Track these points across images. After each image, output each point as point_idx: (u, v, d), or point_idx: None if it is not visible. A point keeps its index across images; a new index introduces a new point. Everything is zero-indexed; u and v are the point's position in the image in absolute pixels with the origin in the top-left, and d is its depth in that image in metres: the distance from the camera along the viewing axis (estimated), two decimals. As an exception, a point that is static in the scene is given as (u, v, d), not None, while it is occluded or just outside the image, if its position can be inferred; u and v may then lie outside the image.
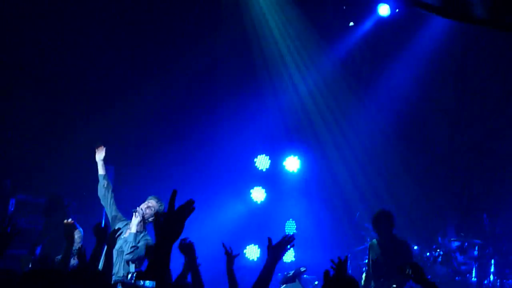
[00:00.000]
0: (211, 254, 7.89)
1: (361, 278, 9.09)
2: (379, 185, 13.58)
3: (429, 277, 10.47)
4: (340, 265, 4.61)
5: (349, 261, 10.97)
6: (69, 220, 6.72)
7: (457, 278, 11.18)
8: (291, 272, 9.42)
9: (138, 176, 12.30)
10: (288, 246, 4.96)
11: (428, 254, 11.33)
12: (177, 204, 3.40)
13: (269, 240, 4.92)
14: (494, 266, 11.09)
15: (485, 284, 11.08)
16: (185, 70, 12.65)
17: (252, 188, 13.61)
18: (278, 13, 13.32)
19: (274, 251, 4.86)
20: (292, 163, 13.72)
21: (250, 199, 13.57)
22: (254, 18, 13.17)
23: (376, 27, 13.30)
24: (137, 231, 7.78)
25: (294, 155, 13.71)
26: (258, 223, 13.26)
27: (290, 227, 13.51)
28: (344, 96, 13.91)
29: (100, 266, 6.55)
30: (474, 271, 11.19)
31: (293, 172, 13.74)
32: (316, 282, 11.11)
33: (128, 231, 7.80)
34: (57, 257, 7.26)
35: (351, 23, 13.51)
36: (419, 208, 13.39)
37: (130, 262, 7.66)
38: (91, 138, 9.36)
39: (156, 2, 12.61)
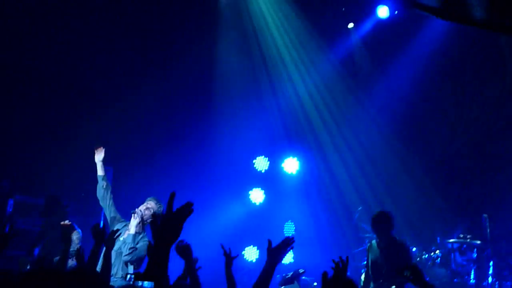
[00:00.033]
0: (209, 255, 7.88)
1: (360, 279, 9.09)
2: (378, 187, 13.58)
3: (427, 278, 10.48)
4: (343, 265, 4.61)
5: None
6: (66, 221, 6.71)
7: (455, 279, 11.17)
8: (290, 274, 9.42)
9: (136, 177, 12.29)
10: (288, 249, 4.95)
11: (426, 255, 11.33)
12: (175, 206, 3.40)
13: (269, 242, 4.91)
14: (492, 268, 11.08)
15: (484, 286, 11.07)
16: (184, 71, 12.64)
17: (251, 189, 13.61)
18: (278, 14, 13.32)
19: (273, 253, 4.85)
20: (291, 165, 13.72)
21: (249, 201, 13.57)
22: (254, 20, 13.17)
23: (375, 29, 13.32)
24: (136, 232, 7.77)
25: (293, 157, 13.72)
26: (256, 225, 13.25)
27: (289, 229, 13.52)
28: (343, 97, 13.92)
29: (99, 267, 6.54)
30: (472, 272, 11.18)
31: (292, 173, 13.74)
32: (315, 284, 11.11)
33: (127, 232, 7.79)
34: (55, 258, 7.26)
35: (351, 25, 13.52)
36: (418, 209, 13.39)
37: (128, 263, 7.64)
38: (90, 139, 9.37)
39: (155, 2, 12.60)
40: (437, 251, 11.32)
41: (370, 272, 8.80)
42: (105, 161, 8.33)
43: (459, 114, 13.34)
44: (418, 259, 11.12)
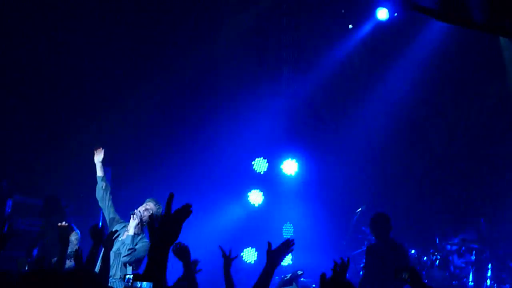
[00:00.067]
0: (208, 256, 7.88)
1: (358, 281, 9.08)
2: (376, 189, 13.59)
3: (426, 281, 10.48)
4: (344, 267, 4.61)
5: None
6: (63, 223, 6.70)
7: (454, 282, 11.18)
8: (288, 275, 9.40)
9: (135, 179, 12.29)
10: (288, 251, 4.95)
11: (425, 258, 11.33)
12: (174, 207, 3.40)
13: (269, 244, 4.90)
14: (491, 270, 11.10)
15: (482, 288, 11.10)
16: (183, 72, 12.65)
17: (250, 191, 13.60)
18: (277, 16, 13.33)
19: (273, 256, 4.84)
20: (290, 166, 13.71)
21: (248, 202, 13.56)
22: (253, 20, 13.17)
23: (375, 30, 13.32)
24: (134, 233, 7.76)
25: (292, 158, 13.71)
26: (255, 226, 13.24)
27: (288, 230, 13.51)
28: (342, 99, 13.92)
29: (97, 268, 6.54)
30: (471, 275, 11.20)
31: (290, 175, 13.74)
32: (314, 286, 11.11)
33: (126, 233, 7.78)
34: (53, 259, 7.25)
35: (350, 26, 13.53)
36: (416, 212, 13.39)
37: (127, 264, 7.64)
38: (88, 140, 9.37)
39: (155, 3, 12.60)
40: (436, 254, 11.32)
41: (368, 274, 8.80)
42: (104, 162, 8.33)
43: (458, 116, 13.35)
44: (416, 261, 11.12)
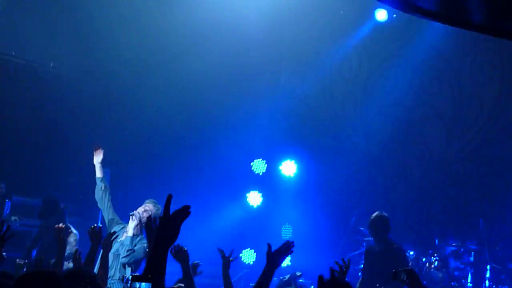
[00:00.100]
0: (207, 258, 7.88)
1: (357, 283, 9.08)
2: (375, 190, 13.59)
3: (424, 282, 10.48)
4: (344, 268, 4.61)
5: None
6: (61, 224, 6.69)
7: (452, 283, 11.18)
8: (287, 277, 9.40)
9: (134, 180, 12.29)
10: (288, 253, 4.94)
11: (424, 259, 11.32)
12: (173, 208, 3.40)
13: (269, 246, 4.90)
14: (489, 271, 11.09)
15: (481, 289, 11.09)
16: (181, 73, 12.64)
17: (249, 192, 13.60)
18: (276, 17, 13.32)
19: (273, 258, 4.84)
20: (289, 167, 13.71)
21: (247, 203, 13.56)
22: (251, 21, 13.15)
23: (373, 32, 13.33)
24: (133, 235, 7.76)
25: (291, 159, 13.71)
26: (254, 227, 13.24)
27: (286, 232, 13.51)
28: (341, 100, 13.92)
29: (96, 269, 6.54)
30: (469, 276, 11.20)
31: (289, 176, 13.74)
32: (312, 287, 11.10)
33: (125, 234, 7.78)
34: (52, 260, 7.24)
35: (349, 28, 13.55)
36: (415, 213, 13.40)
37: (126, 266, 7.64)
38: (87, 141, 9.35)
39: (154, 3, 12.58)
40: (434, 255, 11.32)
41: (366, 276, 8.80)
42: (102, 163, 8.32)
43: (457, 118, 13.35)
44: (415, 262, 11.12)
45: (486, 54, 12.99)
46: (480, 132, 13.16)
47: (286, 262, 12.65)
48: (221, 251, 6.26)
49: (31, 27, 11.48)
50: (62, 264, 6.64)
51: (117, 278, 7.50)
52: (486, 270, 11.12)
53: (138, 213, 7.84)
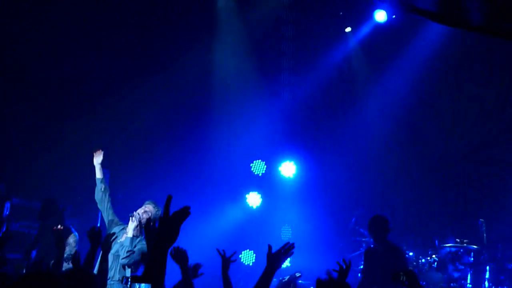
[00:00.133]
0: (206, 259, 7.87)
1: (357, 284, 9.08)
2: (374, 191, 13.58)
3: (424, 283, 10.49)
4: (345, 269, 4.60)
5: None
6: (59, 226, 6.69)
7: (452, 284, 11.17)
8: (286, 278, 9.39)
9: (134, 181, 12.28)
10: (288, 254, 4.94)
11: (423, 260, 11.32)
12: (173, 209, 3.39)
13: (269, 247, 4.89)
14: (489, 272, 11.09)
15: (480, 290, 11.08)
16: (181, 74, 12.64)
17: (248, 193, 13.60)
18: (276, 18, 13.33)
19: (273, 259, 4.83)
20: (288, 169, 13.72)
21: (246, 204, 13.56)
22: (251, 23, 13.16)
23: (373, 33, 13.33)
24: (133, 236, 7.76)
25: (290, 160, 13.71)
26: (253, 228, 13.25)
27: (286, 233, 13.50)
28: (341, 101, 13.92)
29: (96, 270, 6.54)
30: (469, 277, 11.18)
31: (289, 177, 13.74)
32: (311, 288, 11.11)
33: (125, 235, 7.78)
34: (51, 261, 7.24)
35: (348, 29, 13.54)
36: (414, 214, 13.39)
37: (126, 267, 7.64)
38: (86, 142, 9.35)
39: (154, 3, 12.59)
40: (434, 256, 11.32)
41: (366, 277, 8.79)
42: (102, 164, 8.31)
43: (457, 119, 13.36)
44: (414, 263, 11.12)
45: (486, 54, 12.98)
46: (480, 132, 13.16)
47: (286, 263, 12.64)
48: (220, 252, 6.25)
49: None
50: (61, 265, 6.63)
51: (117, 279, 7.50)
52: (486, 270, 11.12)
53: (138, 214, 7.84)
